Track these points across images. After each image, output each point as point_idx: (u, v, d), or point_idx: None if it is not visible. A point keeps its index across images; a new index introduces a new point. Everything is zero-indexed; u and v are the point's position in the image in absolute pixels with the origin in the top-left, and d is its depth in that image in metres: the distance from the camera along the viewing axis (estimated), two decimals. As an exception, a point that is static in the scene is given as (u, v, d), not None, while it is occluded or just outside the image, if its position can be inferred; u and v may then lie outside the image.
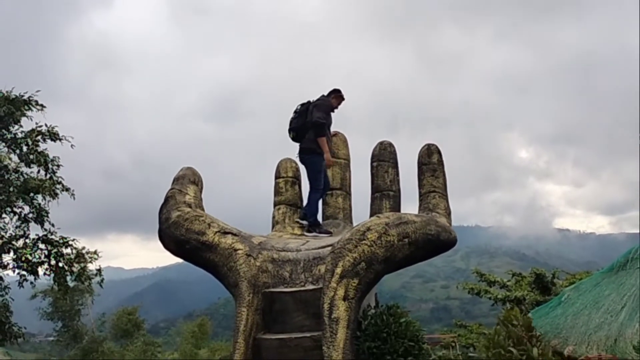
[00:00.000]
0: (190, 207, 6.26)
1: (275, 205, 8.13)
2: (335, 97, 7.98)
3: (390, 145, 7.97)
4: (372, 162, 7.91)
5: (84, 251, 13.04)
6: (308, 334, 5.21)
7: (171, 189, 6.52)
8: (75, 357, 30.02)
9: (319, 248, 6.19)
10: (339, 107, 8.09)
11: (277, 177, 8.31)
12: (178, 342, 38.16)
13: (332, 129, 8.22)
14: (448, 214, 6.49)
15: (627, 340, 6.70)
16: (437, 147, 7.07)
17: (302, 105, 7.97)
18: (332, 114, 8.03)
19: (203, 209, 6.53)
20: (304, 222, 7.72)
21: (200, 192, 6.92)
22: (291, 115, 8.04)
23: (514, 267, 36.22)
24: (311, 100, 7.97)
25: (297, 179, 8.31)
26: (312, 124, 7.65)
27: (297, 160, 8.10)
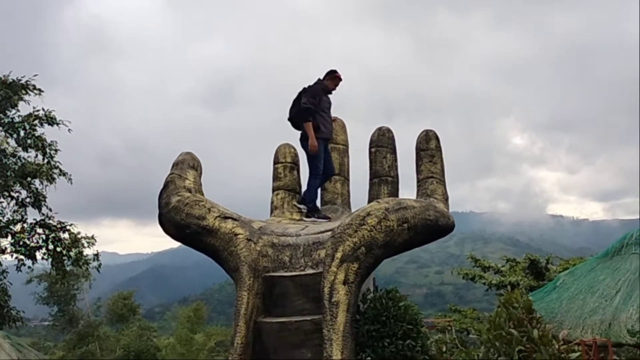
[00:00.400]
0: (190, 192, 6.29)
1: (273, 190, 8.15)
2: (331, 78, 7.89)
3: (389, 131, 7.98)
4: (370, 147, 7.92)
5: (80, 236, 13.05)
6: (308, 318, 5.27)
7: (170, 173, 6.54)
8: (71, 341, 30.15)
9: (318, 233, 6.24)
10: (336, 87, 7.99)
11: (275, 162, 8.31)
12: (173, 327, 38.32)
13: (332, 113, 8.20)
14: (445, 199, 6.55)
15: (621, 324, 6.79)
16: (435, 133, 7.10)
17: (300, 92, 7.96)
18: (329, 95, 7.96)
19: (203, 194, 6.56)
20: (302, 207, 7.75)
21: (200, 177, 6.94)
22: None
23: (507, 253, 36.47)
24: (306, 87, 7.94)
25: (295, 165, 8.32)
26: (298, 110, 7.65)
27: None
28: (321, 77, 8.01)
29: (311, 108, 7.54)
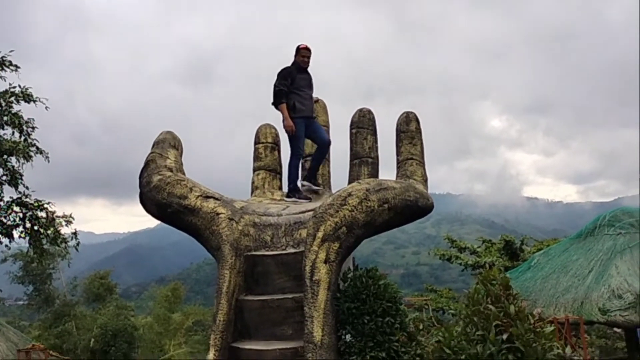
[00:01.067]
0: (172, 171, 6.30)
1: (254, 170, 8.18)
2: (297, 53, 7.79)
3: (370, 112, 8.03)
4: (351, 128, 7.97)
5: (57, 215, 12.95)
6: (289, 295, 5.36)
7: (151, 152, 6.53)
8: (46, 320, 29.97)
9: (300, 213, 6.31)
10: (308, 59, 7.83)
11: (256, 142, 8.33)
12: (150, 307, 38.22)
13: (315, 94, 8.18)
14: (425, 180, 6.65)
15: (592, 303, 7.00)
16: (415, 115, 7.17)
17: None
18: (306, 72, 7.86)
19: (184, 173, 6.57)
20: (306, 184, 7.80)
21: (181, 156, 6.95)
22: None
23: (483, 234, 36.93)
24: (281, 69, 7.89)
25: (276, 145, 8.34)
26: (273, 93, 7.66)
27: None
28: None
29: (283, 90, 7.51)
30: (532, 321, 2.74)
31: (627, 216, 8.30)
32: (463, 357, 2.74)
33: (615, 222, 8.22)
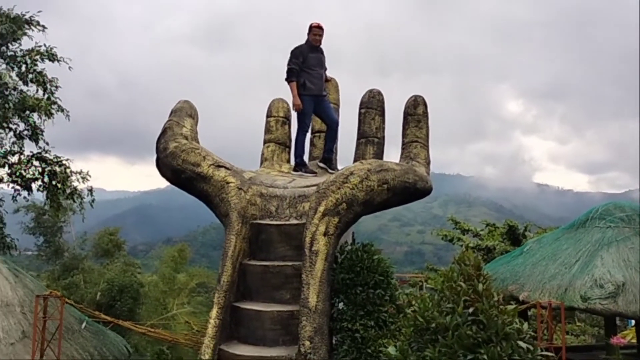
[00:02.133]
0: (187, 139, 6.68)
1: (265, 142, 8.51)
2: (309, 33, 7.89)
3: (379, 93, 8.29)
4: (360, 108, 8.24)
5: (72, 171, 13.37)
6: (289, 263, 5.79)
7: (169, 120, 6.89)
8: (55, 272, 30.64)
9: (304, 187, 6.69)
10: (320, 38, 7.91)
11: (268, 115, 8.65)
12: (156, 265, 38.80)
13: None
14: (427, 163, 6.98)
15: (576, 290, 7.38)
16: (423, 98, 7.47)
17: None
18: (318, 50, 7.96)
19: (198, 142, 6.95)
20: (323, 165, 8.04)
21: (196, 125, 7.30)
22: None
23: (490, 217, 37.04)
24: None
25: (287, 119, 8.66)
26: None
27: None
28: None
29: (294, 68, 7.67)
30: (497, 298, 3.12)
31: (619, 210, 8.63)
32: (433, 325, 3.13)
33: (607, 216, 8.55)
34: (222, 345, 5.45)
